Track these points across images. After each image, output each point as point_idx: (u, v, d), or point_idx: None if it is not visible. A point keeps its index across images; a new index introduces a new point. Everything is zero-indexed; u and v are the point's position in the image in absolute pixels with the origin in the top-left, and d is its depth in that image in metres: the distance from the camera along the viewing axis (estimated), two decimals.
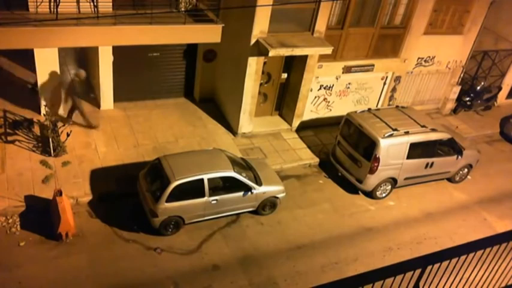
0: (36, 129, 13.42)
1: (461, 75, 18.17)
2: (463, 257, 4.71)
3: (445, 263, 4.65)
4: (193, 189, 10.79)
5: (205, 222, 11.48)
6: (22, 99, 14.46)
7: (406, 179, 13.52)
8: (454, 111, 18.72)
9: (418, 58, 16.82)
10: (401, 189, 13.90)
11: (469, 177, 15.02)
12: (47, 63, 13.19)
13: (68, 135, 12.65)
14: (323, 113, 16.12)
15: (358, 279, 3.89)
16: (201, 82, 16.09)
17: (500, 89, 19.52)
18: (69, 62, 15.60)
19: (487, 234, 5.52)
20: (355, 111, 13.79)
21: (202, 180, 10.82)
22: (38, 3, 11.78)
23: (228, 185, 11.27)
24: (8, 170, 11.86)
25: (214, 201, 11.08)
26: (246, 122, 14.86)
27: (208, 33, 13.15)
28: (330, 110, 16.16)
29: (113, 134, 13.94)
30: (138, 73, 15.18)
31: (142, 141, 13.88)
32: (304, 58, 14.28)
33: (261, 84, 14.74)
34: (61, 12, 11.62)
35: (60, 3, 11.66)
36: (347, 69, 15.31)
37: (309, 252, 11.35)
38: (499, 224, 13.36)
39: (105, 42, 12.91)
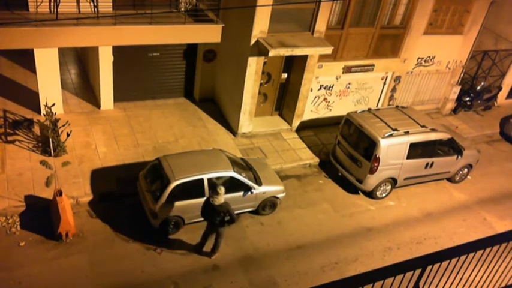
0: (36, 129, 13.42)
1: (461, 75, 18.17)
2: (463, 257, 4.71)
3: (445, 263, 4.65)
4: (193, 189, 10.78)
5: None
6: (22, 99, 14.47)
7: (406, 179, 13.52)
8: (454, 111, 18.72)
9: (418, 58, 16.83)
10: (401, 189, 13.90)
11: (469, 177, 15.02)
12: (47, 63, 13.19)
13: (68, 135, 12.66)
14: (323, 113, 16.12)
15: (358, 279, 3.90)
16: (201, 82, 16.09)
17: (500, 89, 19.52)
18: None
19: (487, 234, 5.54)
20: (355, 111, 13.79)
21: (202, 180, 10.81)
22: (38, 3, 11.79)
23: (228, 185, 11.24)
24: (8, 170, 11.86)
25: None
26: (246, 122, 14.86)
27: (208, 33, 13.16)
28: (330, 110, 16.16)
29: (113, 134, 13.94)
30: (138, 73, 15.18)
31: (142, 141, 13.89)
32: (304, 58, 14.28)
33: (261, 84, 14.73)
34: (61, 12, 11.63)
35: (60, 3, 11.67)
36: (347, 69, 15.31)
37: (308, 252, 11.35)
38: (499, 224, 13.36)
39: (105, 42, 12.91)
